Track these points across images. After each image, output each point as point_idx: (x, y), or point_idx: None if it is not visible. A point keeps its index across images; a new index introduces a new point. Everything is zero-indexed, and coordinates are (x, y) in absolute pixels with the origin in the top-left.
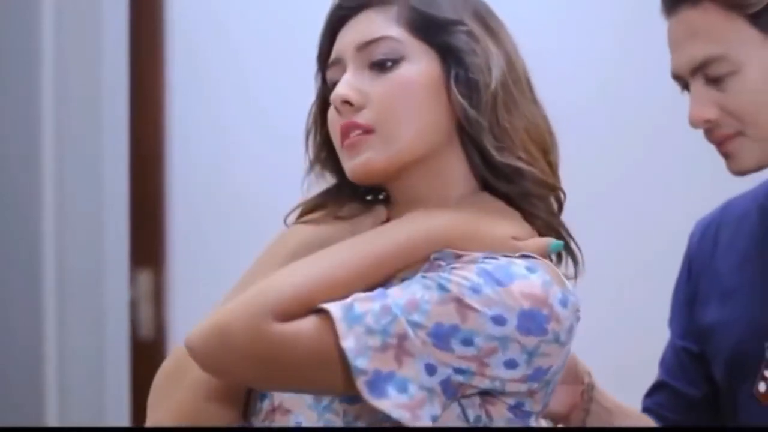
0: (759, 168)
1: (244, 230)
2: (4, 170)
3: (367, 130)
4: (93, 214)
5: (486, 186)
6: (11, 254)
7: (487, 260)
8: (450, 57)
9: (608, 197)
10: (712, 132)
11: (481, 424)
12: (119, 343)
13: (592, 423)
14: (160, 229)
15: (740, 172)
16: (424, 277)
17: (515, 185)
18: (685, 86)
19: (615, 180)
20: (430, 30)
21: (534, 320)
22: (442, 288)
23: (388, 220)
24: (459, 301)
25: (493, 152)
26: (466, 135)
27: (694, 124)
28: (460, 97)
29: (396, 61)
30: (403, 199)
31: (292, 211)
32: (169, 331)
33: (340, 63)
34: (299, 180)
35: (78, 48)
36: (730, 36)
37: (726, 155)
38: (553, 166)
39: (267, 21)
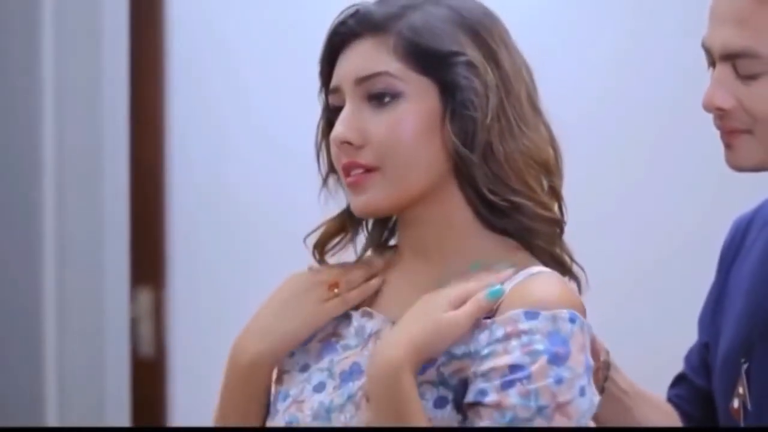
0: (756, 169)
1: (244, 248)
2: (4, 189)
3: (369, 169)
4: (93, 232)
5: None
6: (12, 273)
7: (534, 334)
8: (447, 92)
9: (615, 200)
10: (722, 119)
11: None
12: (120, 361)
13: (605, 404)
14: (160, 247)
15: (737, 167)
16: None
17: (511, 220)
18: (712, 63)
19: (622, 182)
20: (429, 63)
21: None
22: (540, 410)
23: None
24: (558, 406)
25: (485, 191)
26: (460, 172)
27: (706, 106)
28: (453, 137)
29: (395, 97)
30: (409, 224)
31: (314, 231)
32: (170, 348)
33: (339, 92)
34: (300, 199)
35: (78, 67)
36: None
37: (728, 146)
38: (555, 189)
39: (266, 35)
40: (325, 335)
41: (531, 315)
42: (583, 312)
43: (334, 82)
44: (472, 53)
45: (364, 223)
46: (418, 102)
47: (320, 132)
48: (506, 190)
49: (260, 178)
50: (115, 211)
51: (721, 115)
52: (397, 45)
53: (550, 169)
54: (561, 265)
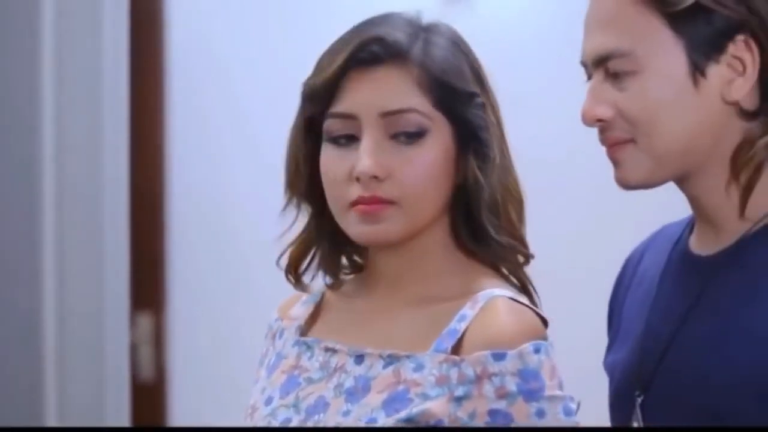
0: (646, 185)
1: (243, 273)
2: (4, 218)
3: (388, 202)
4: (93, 256)
5: (460, 242)
6: (12, 299)
7: (504, 375)
8: (466, 131)
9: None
10: (604, 133)
11: None
12: (120, 386)
13: None
14: (160, 271)
15: (626, 185)
16: None
17: (489, 248)
18: (590, 76)
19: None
20: (452, 103)
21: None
22: None
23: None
24: None
25: (485, 224)
26: (461, 201)
27: (586, 120)
28: (478, 173)
29: (419, 135)
30: (388, 250)
31: (282, 254)
32: (170, 373)
33: (353, 120)
34: (300, 225)
35: (78, 92)
36: (643, 33)
37: (615, 162)
38: (523, 226)
39: (265, 59)
40: (288, 366)
41: (498, 356)
42: (541, 329)
43: (346, 109)
44: (483, 96)
45: (326, 242)
46: (438, 139)
47: (296, 148)
48: (496, 222)
49: (259, 203)
50: (115, 236)
51: (603, 127)
52: (419, 78)
53: (521, 205)
54: (523, 288)
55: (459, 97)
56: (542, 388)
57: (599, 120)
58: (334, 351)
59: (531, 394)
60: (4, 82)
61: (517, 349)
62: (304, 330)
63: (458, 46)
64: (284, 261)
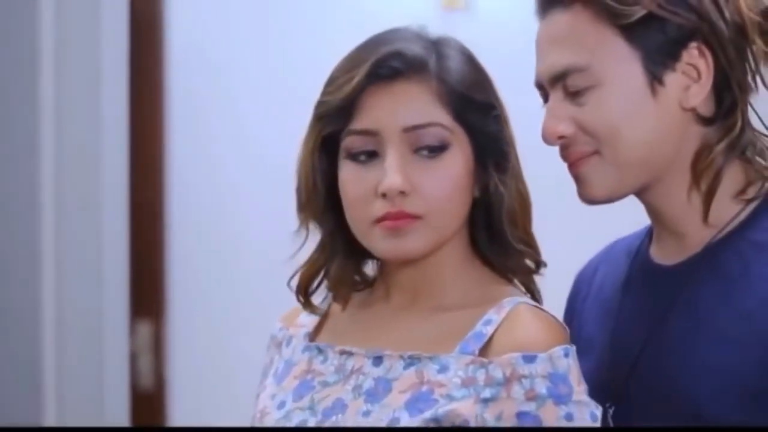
0: (611, 197)
1: (242, 281)
2: (4, 222)
3: (414, 217)
4: (93, 265)
5: (476, 252)
6: (12, 308)
7: (535, 378)
8: (485, 142)
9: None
10: (567, 149)
11: None
12: (119, 395)
13: None
14: (160, 280)
15: (590, 200)
16: None
17: (511, 259)
18: (546, 98)
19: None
20: (470, 115)
21: None
22: None
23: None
24: None
25: (508, 233)
26: (481, 213)
27: (546, 139)
28: (500, 185)
29: (443, 149)
30: (406, 262)
31: (294, 275)
32: (169, 382)
33: (374, 136)
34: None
35: (77, 103)
36: (598, 47)
37: (577, 178)
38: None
39: (266, 73)
40: (300, 371)
41: (529, 359)
42: (566, 336)
43: (368, 125)
44: (499, 107)
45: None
46: (460, 152)
47: (309, 169)
48: (517, 232)
49: (258, 213)
50: (114, 245)
51: (565, 144)
52: (439, 91)
53: (530, 215)
54: (533, 296)
55: (477, 109)
56: (571, 392)
57: (561, 137)
58: (350, 354)
59: (560, 398)
60: (3, 86)
61: (547, 352)
62: (312, 337)
63: (470, 58)
64: (295, 282)
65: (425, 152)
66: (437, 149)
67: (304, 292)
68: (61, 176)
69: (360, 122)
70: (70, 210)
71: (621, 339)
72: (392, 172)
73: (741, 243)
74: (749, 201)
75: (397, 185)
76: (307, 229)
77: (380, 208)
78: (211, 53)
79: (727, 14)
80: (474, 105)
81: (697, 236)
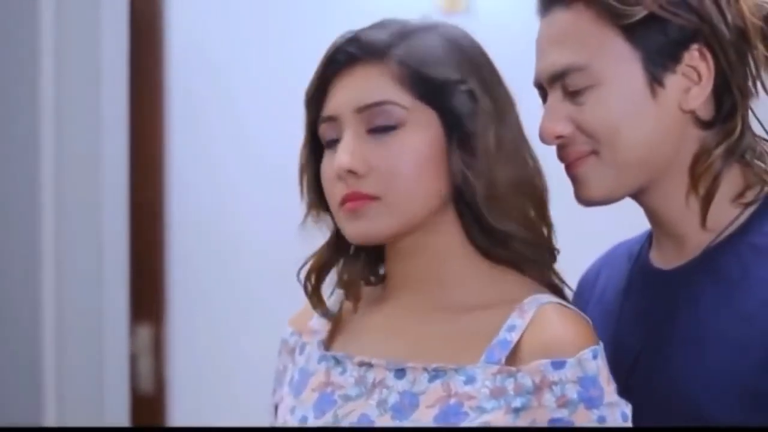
0: (609, 199)
1: (243, 282)
2: (4, 222)
3: (370, 197)
4: (92, 268)
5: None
6: (11, 310)
7: (565, 384)
8: (451, 120)
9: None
10: (565, 149)
11: None
12: (119, 398)
13: None
14: (160, 283)
15: (588, 202)
16: None
17: (507, 247)
18: (545, 98)
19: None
20: (432, 91)
21: None
22: None
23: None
24: None
25: (490, 219)
26: (463, 200)
27: (544, 139)
28: (462, 165)
29: (398, 126)
30: (404, 254)
31: (303, 265)
32: (169, 384)
33: (335, 121)
34: (298, 235)
35: (78, 105)
36: (598, 46)
37: (574, 179)
38: (546, 218)
39: (266, 74)
40: (318, 383)
41: (558, 365)
42: (593, 333)
43: (329, 111)
44: (472, 83)
45: (350, 253)
46: (420, 131)
47: (303, 159)
48: (505, 218)
49: (258, 214)
50: (114, 247)
51: (562, 144)
52: (398, 73)
53: (538, 199)
54: (553, 287)
55: (441, 86)
56: (602, 395)
57: (558, 137)
58: (369, 365)
59: (592, 402)
60: (3, 86)
61: (576, 357)
62: (327, 344)
63: (452, 40)
64: (303, 275)
65: (380, 131)
66: (392, 128)
67: (312, 281)
68: (61, 176)
69: (326, 110)
70: (70, 210)
71: (621, 342)
72: (341, 152)
73: (740, 247)
74: (748, 205)
75: (345, 164)
76: (316, 221)
77: (340, 190)
78: (211, 53)
79: (729, 17)
80: (435, 82)
81: (696, 240)
